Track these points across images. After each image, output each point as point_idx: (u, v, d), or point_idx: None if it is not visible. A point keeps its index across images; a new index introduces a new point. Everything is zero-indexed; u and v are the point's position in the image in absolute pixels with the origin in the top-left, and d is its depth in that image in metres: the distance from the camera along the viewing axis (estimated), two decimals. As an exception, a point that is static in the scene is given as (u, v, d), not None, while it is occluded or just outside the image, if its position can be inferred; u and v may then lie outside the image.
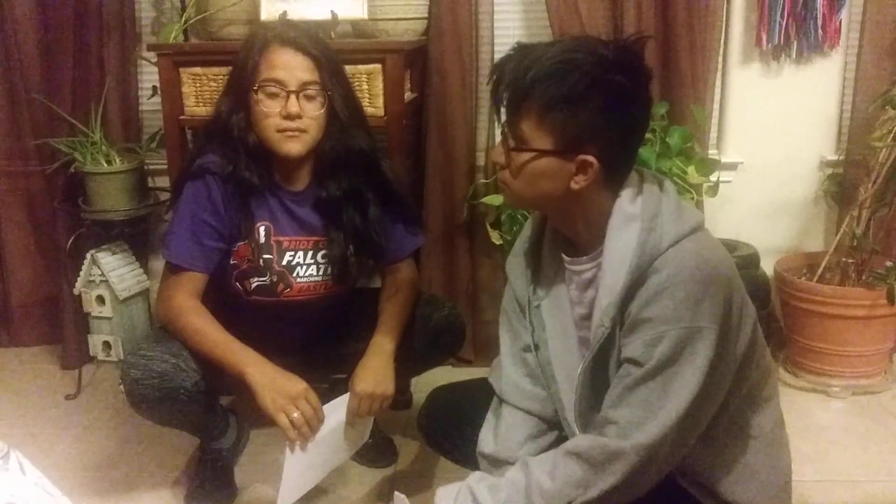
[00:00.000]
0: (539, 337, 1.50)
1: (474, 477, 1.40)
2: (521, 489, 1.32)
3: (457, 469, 1.70)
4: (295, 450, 1.66)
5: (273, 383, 1.64)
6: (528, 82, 1.26)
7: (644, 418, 1.26)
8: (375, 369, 1.75)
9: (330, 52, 1.75)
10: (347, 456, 1.88)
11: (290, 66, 1.69)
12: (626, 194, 1.33)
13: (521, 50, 1.31)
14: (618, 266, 1.30)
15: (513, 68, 1.29)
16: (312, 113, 1.72)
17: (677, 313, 1.24)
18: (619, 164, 1.33)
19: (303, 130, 1.72)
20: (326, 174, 1.81)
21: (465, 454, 1.64)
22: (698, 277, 1.25)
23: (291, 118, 1.70)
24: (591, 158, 1.29)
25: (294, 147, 1.73)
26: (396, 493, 1.49)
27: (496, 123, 1.47)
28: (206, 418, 1.90)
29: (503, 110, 1.33)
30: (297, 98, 1.69)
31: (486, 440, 1.52)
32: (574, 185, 1.31)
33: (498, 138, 1.41)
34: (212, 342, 1.71)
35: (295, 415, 1.63)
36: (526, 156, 1.30)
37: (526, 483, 1.32)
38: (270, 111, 1.71)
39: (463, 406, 1.69)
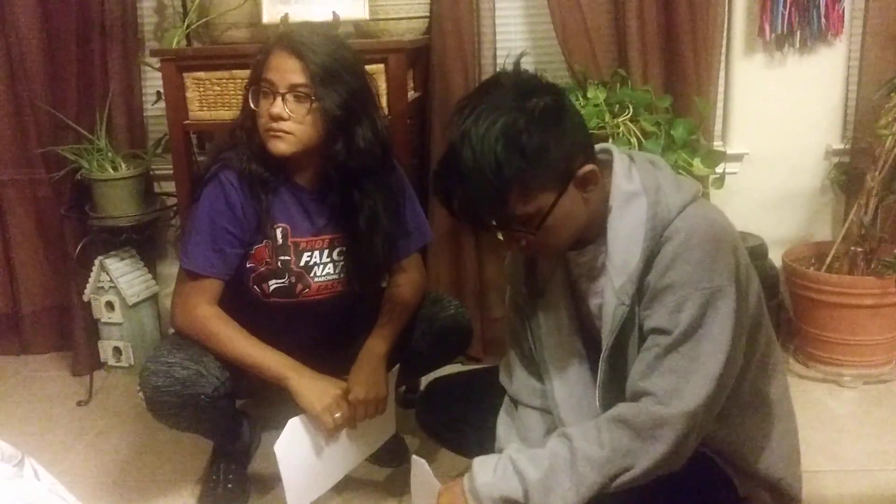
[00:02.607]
0: (535, 335, 1.50)
1: (512, 448, 1.40)
2: (564, 458, 1.31)
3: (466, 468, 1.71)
4: (287, 454, 1.70)
5: (316, 386, 1.72)
6: (495, 184, 1.23)
7: (681, 384, 1.27)
8: (367, 374, 1.79)
9: (335, 53, 1.74)
10: (365, 454, 1.90)
11: (283, 69, 1.70)
12: (620, 175, 1.35)
13: (448, 166, 1.27)
14: (628, 243, 1.31)
15: (463, 187, 1.26)
16: (299, 115, 1.71)
17: (696, 275, 1.27)
18: (593, 147, 1.36)
19: (287, 132, 1.71)
20: (337, 175, 1.81)
21: (463, 441, 1.67)
22: (709, 238, 1.29)
23: (274, 119, 1.70)
24: (587, 168, 1.31)
25: (278, 146, 1.73)
26: (414, 456, 1.51)
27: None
28: (223, 423, 1.91)
29: (483, 219, 1.31)
30: (284, 99, 1.70)
31: (507, 439, 1.52)
32: (587, 196, 1.33)
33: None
34: (244, 350, 1.75)
35: (337, 415, 1.71)
36: (543, 220, 1.30)
37: (570, 453, 1.31)
38: (261, 111, 1.73)
39: (459, 395, 1.73)
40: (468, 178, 1.25)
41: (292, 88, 1.70)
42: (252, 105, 1.74)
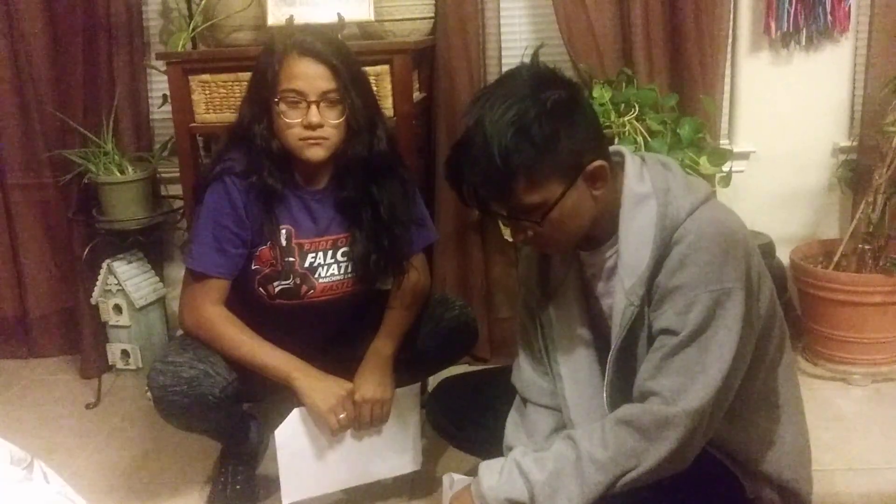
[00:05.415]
0: (547, 336, 1.51)
1: (518, 451, 1.41)
2: (569, 460, 1.32)
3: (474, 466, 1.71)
4: (287, 442, 1.73)
5: (322, 386, 1.74)
6: (502, 170, 1.26)
7: (687, 384, 1.28)
8: (373, 374, 1.80)
9: (348, 55, 1.76)
10: (377, 476, 1.91)
11: (309, 76, 1.70)
12: (632, 176, 1.36)
13: (460, 150, 1.31)
14: (637, 244, 1.32)
15: (472, 171, 1.29)
16: (333, 120, 1.73)
17: (704, 277, 1.27)
18: (607, 146, 1.37)
19: (325, 138, 1.73)
20: (347, 174, 1.82)
21: (473, 439, 1.69)
22: (719, 241, 1.29)
23: (313, 128, 1.71)
24: (597, 163, 1.31)
25: (317, 153, 1.74)
26: (445, 475, 1.52)
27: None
28: (231, 423, 1.92)
29: (490, 206, 1.33)
30: (318, 107, 1.71)
31: (514, 435, 1.54)
32: (597, 193, 1.34)
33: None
34: (251, 350, 1.75)
35: (342, 416, 1.73)
36: (548, 212, 1.31)
37: (575, 454, 1.32)
38: (292, 121, 1.72)
39: (469, 393, 1.75)
40: (477, 163, 1.27)
41: (324, 95, 1.70)
42: (283, 118, 1.72)
